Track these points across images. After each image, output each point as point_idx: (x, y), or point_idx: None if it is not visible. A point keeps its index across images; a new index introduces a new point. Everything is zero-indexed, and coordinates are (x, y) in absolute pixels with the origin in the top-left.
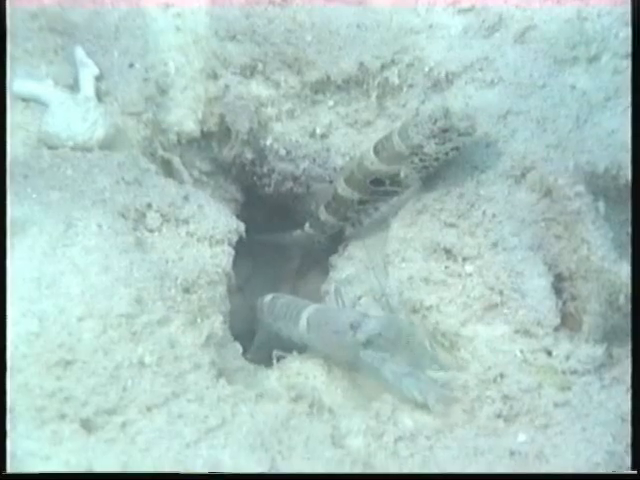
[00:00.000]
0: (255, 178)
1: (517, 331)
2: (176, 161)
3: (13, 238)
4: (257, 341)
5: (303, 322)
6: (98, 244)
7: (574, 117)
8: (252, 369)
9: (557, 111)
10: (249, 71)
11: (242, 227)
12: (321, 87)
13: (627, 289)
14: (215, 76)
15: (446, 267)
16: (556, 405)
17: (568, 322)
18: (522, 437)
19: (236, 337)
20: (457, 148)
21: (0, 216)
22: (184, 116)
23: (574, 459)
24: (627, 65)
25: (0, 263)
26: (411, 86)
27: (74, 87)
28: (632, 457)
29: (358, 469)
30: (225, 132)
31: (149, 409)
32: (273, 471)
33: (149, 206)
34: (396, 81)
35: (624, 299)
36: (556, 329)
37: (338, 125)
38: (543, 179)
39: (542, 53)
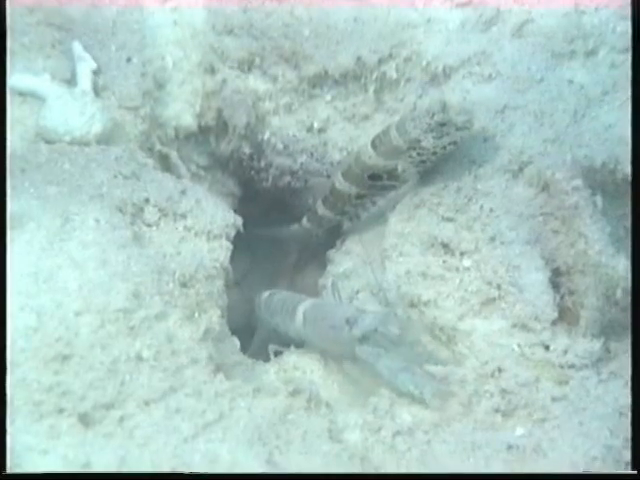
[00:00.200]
0: (253, 172)
1: (515, 325)
2: (174, 155)
3: (11, 233)
4: (257, 339)
5: (299, 317)
6: (96, 239)
7: (572, 111)
8: (250, 364)
9: (555, 105)
10: (247, 65)
11: (240, 221)
12: (319, 81)
13: (624, 283)
14: (212, 70)
15: (444, 261)
16: (554, 399)
17: (565, 316)
18: (520, 431)
19: (234, 332)
20: (455, 142)
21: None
22: (181, 110)
23: (571, 453)
24: (625, 59)
25: None
26: (409, 80)
27: (71, 81)
28: (632, 457)
29: (355, 463)
30: (222, 126)
31: (147, 404)
32: (271, 465)
33: (147, 200)
34: (394, 75)
35: (621, 293)
36: (553, 323)
37: (336, 119)
38: (541, 173)
39: (540, 47)
